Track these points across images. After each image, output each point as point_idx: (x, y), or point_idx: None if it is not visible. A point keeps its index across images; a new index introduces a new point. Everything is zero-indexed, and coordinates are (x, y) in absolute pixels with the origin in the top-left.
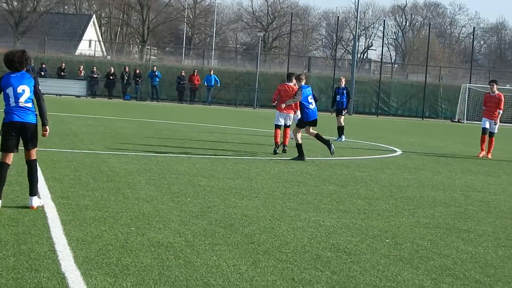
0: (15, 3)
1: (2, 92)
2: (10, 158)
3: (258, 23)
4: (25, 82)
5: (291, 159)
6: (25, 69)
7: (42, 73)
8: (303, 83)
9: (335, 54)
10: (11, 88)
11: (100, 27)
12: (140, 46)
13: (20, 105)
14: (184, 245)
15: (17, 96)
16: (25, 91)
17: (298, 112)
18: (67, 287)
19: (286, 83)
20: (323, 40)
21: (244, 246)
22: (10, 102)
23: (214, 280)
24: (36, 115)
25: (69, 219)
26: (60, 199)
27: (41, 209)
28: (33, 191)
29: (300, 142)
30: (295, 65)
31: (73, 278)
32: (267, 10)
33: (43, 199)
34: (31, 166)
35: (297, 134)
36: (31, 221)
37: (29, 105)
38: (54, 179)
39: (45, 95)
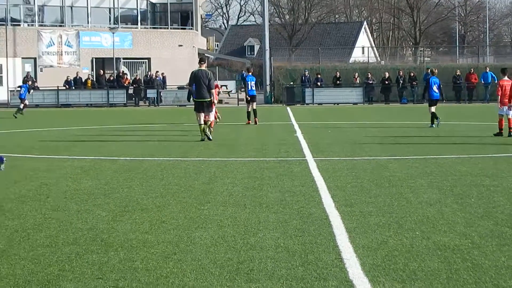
0: (287, 17)
1: None
2: None
3: None
4: None
5: None
6: None
7: (318, 83)
8: None
9: None
10: None
11: (371, 33)
12: (413, 49)
13: None
14: (470, 247)
15: None
16: None
17: None
18: None
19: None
20: None
21: None
22: None
23: (504, 282)
24: None
25: (354, 226)
26: (344, 207)
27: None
28: None
29: None
30: None
31: (361, 286)
32: None
33: (327, 208)
34: None
35: None
36: (316, 230)
37: None
38: (337, 188)
39: (322, 104)
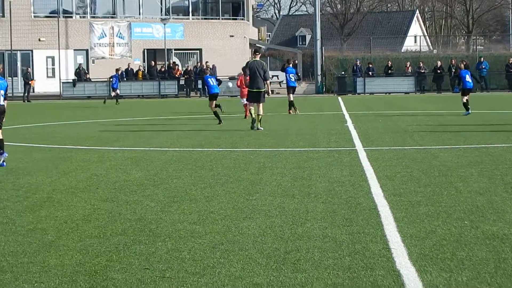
0: (339, 6)
1: None
2: None
3: None
4: None
5: None
6: None
7: (370, 73)
8: None
9: None
10: None
11: (424, 21)
12: (465, 37)
13: None
14: None
15: None
16: None
17: None
18: (402, 284)
19: None
20: None
21: None
22: None
23: None
24: None
25: (402, 216)
26: (393, 197)
27: None
28: None
29: None
30: None
31: (409, 275)
32: None
33: (376, 197)
34: None
35: None
36: (364, 220)
37: None
38: (386, 177)
39: (374, 94)
